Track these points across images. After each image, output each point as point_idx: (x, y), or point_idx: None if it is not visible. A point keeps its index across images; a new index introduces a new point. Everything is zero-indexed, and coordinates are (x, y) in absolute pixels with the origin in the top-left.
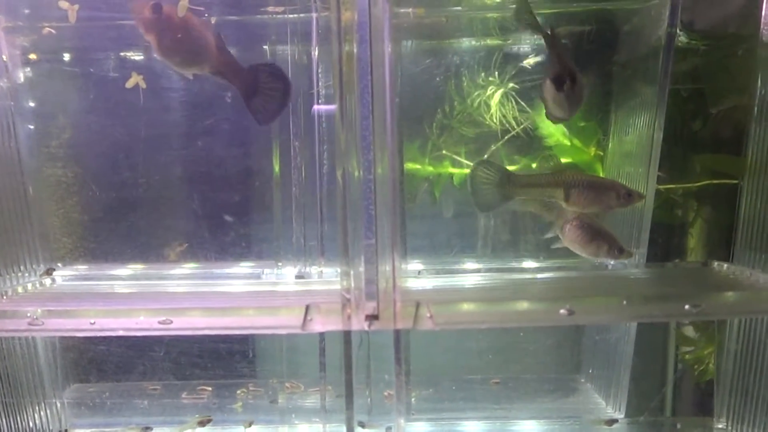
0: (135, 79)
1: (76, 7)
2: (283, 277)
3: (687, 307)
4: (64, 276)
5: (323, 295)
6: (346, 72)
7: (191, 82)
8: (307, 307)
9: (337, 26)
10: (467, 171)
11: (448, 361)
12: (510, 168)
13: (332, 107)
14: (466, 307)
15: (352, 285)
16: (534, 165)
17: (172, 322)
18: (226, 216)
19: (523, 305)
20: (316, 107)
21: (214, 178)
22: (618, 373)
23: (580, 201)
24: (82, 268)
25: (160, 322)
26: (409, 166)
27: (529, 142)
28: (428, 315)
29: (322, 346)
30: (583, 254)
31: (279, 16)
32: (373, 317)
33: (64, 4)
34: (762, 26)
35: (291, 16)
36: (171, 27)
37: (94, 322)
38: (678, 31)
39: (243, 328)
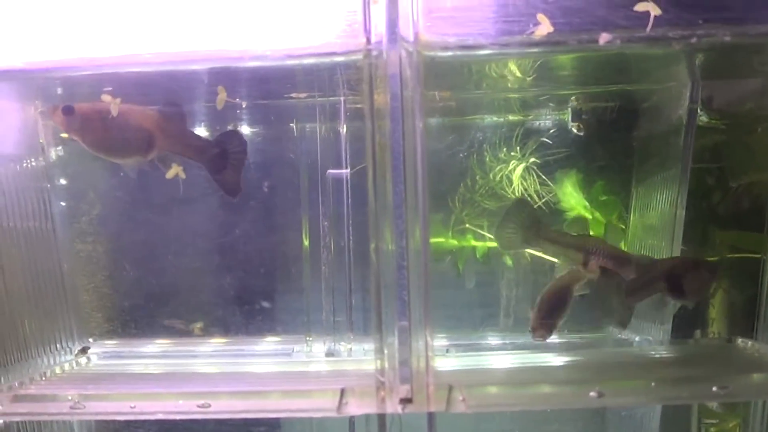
0: (175, 170)
1: (118, 100)
2: (313, 354)
3: (715, 389)
4: (97, 353)
5: (356, 376)
6: (379, 153)
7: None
8: (342, 391)
9: (369, 110)
10: (490, 244)
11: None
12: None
13: (345, 171)
14: (497, 390)
15: (386, 366)
16: None
17: (210, 405)
18: (255, 292)
19: (553, 388)
20: (330, 172)
21: (244, 254)
22: None
23: (596, 270)
24: (112, 344)
25: (198, 406)
26: (433, 239)
27: (551, 215)
28: (461, 398)
29: (352, 421)
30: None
31: (308, 99)
32: (406, 400)
33: (107, 98)
34: None
35: (319, 99)
36: (91, 124)
37: (135, 406)
38: (698, 109)
39: (279, 411)
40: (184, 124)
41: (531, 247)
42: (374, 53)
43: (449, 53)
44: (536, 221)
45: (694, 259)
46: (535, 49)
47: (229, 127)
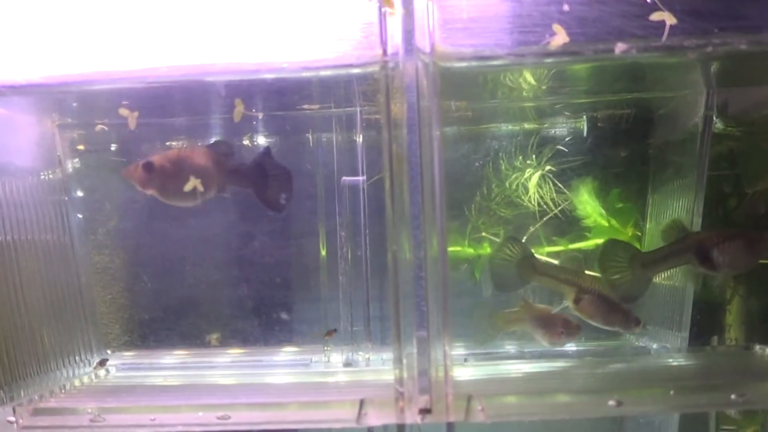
0: (193, 183)
1: (136, 114)
2: (331, 365)
3: (733, 397)
4: (115, 365)
5: (374, 386)
6: (396, 163)
7: None
8: (362, 401)
9: (386, 121)
10: None
11: None
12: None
13: (362, 178)
14: (516, 399)
15: (405, 376)
16: (571, 245)
17: (230, 417)
18: (273, 303)
19: (572, 397)
20: (344, 179)
21: (262, 265)
22: None
23: (587, 310)
24: (130, 356)
25: (218, 418)
26: (450, 248)
27: (567, 222)
28: (480, 408)
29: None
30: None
31: (324, 110)
32: (426, 411)
33: (125, 112)
34: None
35: (335, 110)
36: (167, 177)
37: (155, 419)
38: (714, 117)
39: (299, 422)
40: (233, 156)
41: (527, 283)
42: (390, 65)
43: (465, 64)
44: (529, 256)
45: (729, 230)
46: (550, 59)
47: (243, 137)
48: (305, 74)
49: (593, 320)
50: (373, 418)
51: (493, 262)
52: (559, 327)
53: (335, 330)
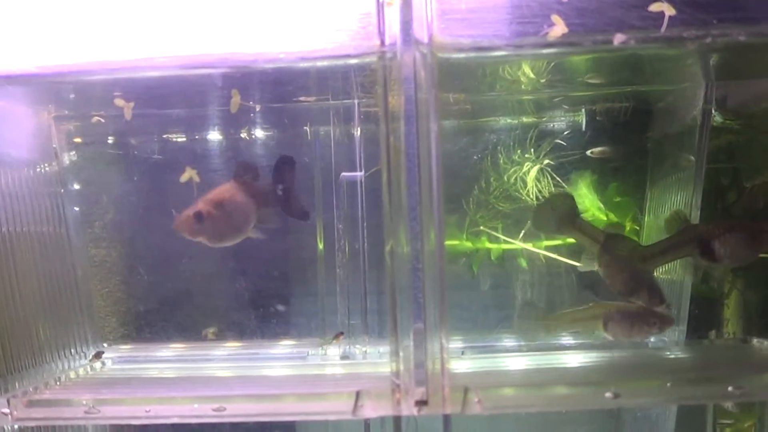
0: (189, 174)
1: (131, 104)
2: (328, 357)
3: (730, 389)
4: (111, 358)
5: (371, 379)
6: (394, 155)
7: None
8: (358, 393)
9: (384, 113)
10: (505, 246)
11: None
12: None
13: (360, 174)
14: (513, 392)
15: (402, 369)
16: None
17: (225, 409)
18: (270, 296)
19: (569, 389)
20: (343, 175)
21: (259, 257)
22: None
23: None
24: (127, 348)
25: (214, 410)
26: (448, 242)
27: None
28: (476, 400)
29: (368, 424)
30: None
31: (321, 102)
32: (422, 403)
33: (120, 102)
34: None
35: (333, 102)
36: (216, 223)
37: (150, 410)
38: (713, 110)
39: (295, 414)
40: (259, 178)
41: (562, 233)
42: (388, 55)
43: (463, 55)
44: (574, 211)
45: (730, 222)
46: (549, 50)
47: (241, 130)
48: (302, 65)
49: (615, 287)
50: (370, 410)
51: (540, 205)
52: (652, 318)
53: (342, 333)
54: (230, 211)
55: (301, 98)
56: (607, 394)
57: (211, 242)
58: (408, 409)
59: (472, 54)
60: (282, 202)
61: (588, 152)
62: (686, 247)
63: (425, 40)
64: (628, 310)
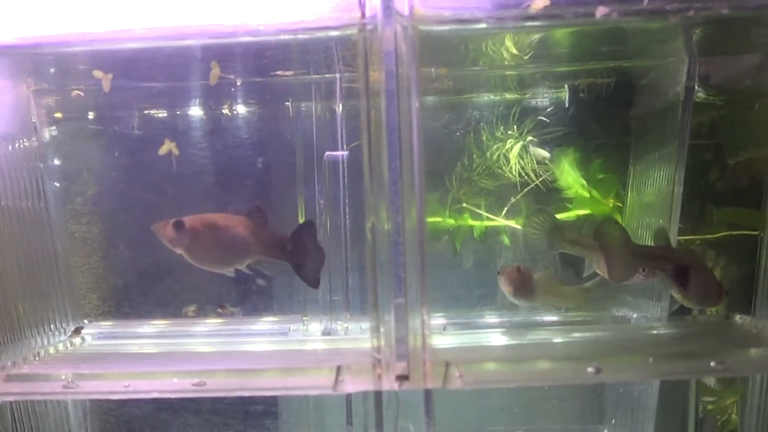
0: (168, 146)
1: (110, 76)
2: (310, 333)
3: (712, 364)
4: (91, 334)
5: (352, 354)
6: (374, 130)
7: (215, 139)
8: (339, 368)
9: (365, 87)
10: (487, 223)
11: (473, 412)
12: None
13: (344, 153)
14: (495, 366)
15: (383, 344)
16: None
17: (205, 383)
18: (252, 271)
19: (550, 364)
20: (327, 154)
21: None
22: (642, 424)
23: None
24: (108, 325)
25: (193, 384)
26: (430, 218)
27: (548, 193)
28: (458, 375)
29: (349, 399)
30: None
31: (303, 77)
32: (403, 377)
33: (98, 74)
34: None
35: (315, 76)
36: (198, 238)
37: (129, 385)
38: (696, 86)
39: (275, 388)
40: (267, 226)
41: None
42: (369, 27)
43: (445, 27)
44: (558, 227)
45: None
46: (531, 23)
47: (222, 105)
48: (282, 37)
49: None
50: (350, 385)
51: (525, 231)
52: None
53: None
54: (218, 237)
55: (283, 72)
56: (589, 369)
57: (192, 259)
58: (389, 384)
59: (454, 27)
60: (294, 259)
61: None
62: (664, 265)
63: (406, 12)
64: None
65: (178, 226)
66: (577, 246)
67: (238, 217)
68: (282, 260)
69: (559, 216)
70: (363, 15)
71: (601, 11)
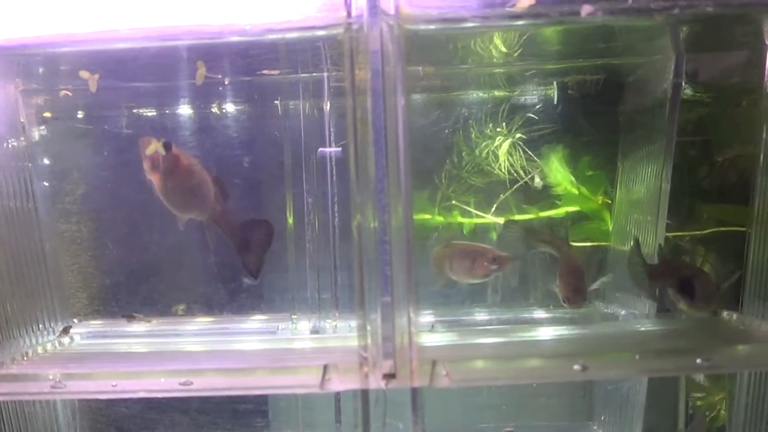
0: (155, 146)
1: (96, 76)
2: (298, 332)
3: (699, 361)
4: (80, 333)
5: (340, 352)
6: (360, 129)
7: (204, 138)
8: (325, 367)
9: (351, 86)
10: (476, 221)
11: (462, 409)
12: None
13: (338, 149)
14: (482, 364)
15: (369, 342)
16: (542, 214)
17: (192, 383)
18: (240, 270)
19: (537, 362)
20: (321, 150)
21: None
22: (630, 421)
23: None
24: (97, 324)
25: (181, 384)
26: (419, 216)
27: (538, 190)
28: (444, 373)
29: (338, 398)
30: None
31: (291, 75)
32: (390, 376)
33: (85, 74)
34: (766, 77)
35: (303, 75)
36: (176, 170)
37: (116, 384)
38: (683, 83)
39: (262, 387)
40: (226, 193)
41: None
42: (355, 27)
43: (431, 27)
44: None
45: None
46: (517, 22)
47: (211, 104)
48: (270, 37)
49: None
50: (337, 384)
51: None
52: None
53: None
54: (193, 177)
55: (271, 71)
56: (576, 367)
57: (162, 188)
58: (376, 383)
59: (440, 25)
60: (240, 248)
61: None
62: (668, 280)
63: (392, 11)
64: (468, 249)
65: (166, 146)
66: (548, 244)
67: (212, 176)
68: (228, 236)
69: (547, 213)
70: (349, 14)
71: (586, 10)
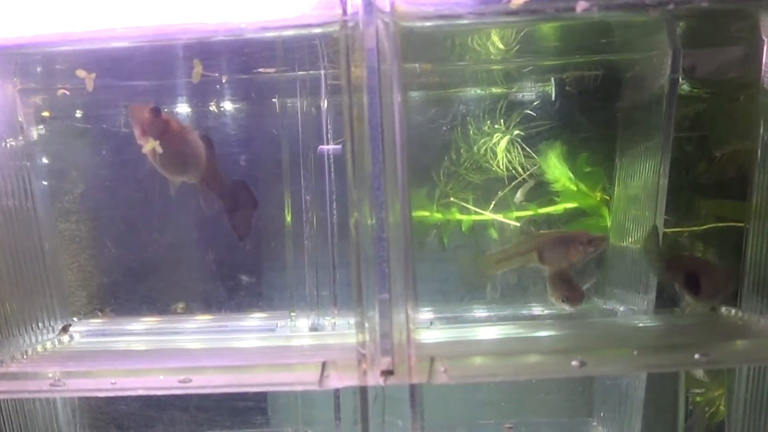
0: (152, 145)
1: (93, 75)
2: (297, 329)
3: (697, 356)
4: (80, 332)
5: (338, 349)
6: (357, 126)
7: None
8: (324, 364)
9: (347, 83)
10: (475, 218)
11: (460, 405)
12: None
13: (338, 147)
14: (480, 360)
15: (367, 339)
16: (540, 210)
17: (191, 380)
18: (239, 268)
19: (536, 358)
20: (321, 147)
21: (227, 231)
22: (630, 417)
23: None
24: (96, 322)
25: (180, 381)
26: (418, 213)
27: (536, 187)
28: (443, 369)
29: (337, 394)
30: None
31: (288, 73)
32: (388, 372)
33: (81, 73)
34: (763, 72)
35: (300, 73)
36: (166, 135)
37: (115, 382)
38: (680, 79)
39: (261, 384)
40: (215, 155)
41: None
42: (350, 24)
43: (427, 23)
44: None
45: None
46: (513, 18)
47: (208, 103)
48: (265, 35)
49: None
50: (336, 381)
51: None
52: (584, 237)
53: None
54: (183, 140)
55: (268, 69)
56: (574, 363)
57: (154, 156)
58: (374, 379)
59: (436, 22)
60: (231, 208)
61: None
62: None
63: (387, 8)
64: (561, 236)
65: (156, 112)
66: (513, 259)
67: (202, 138)
68: (219, 197)
69: (545, 210)
70: (344, 12)
71: (581, 6)
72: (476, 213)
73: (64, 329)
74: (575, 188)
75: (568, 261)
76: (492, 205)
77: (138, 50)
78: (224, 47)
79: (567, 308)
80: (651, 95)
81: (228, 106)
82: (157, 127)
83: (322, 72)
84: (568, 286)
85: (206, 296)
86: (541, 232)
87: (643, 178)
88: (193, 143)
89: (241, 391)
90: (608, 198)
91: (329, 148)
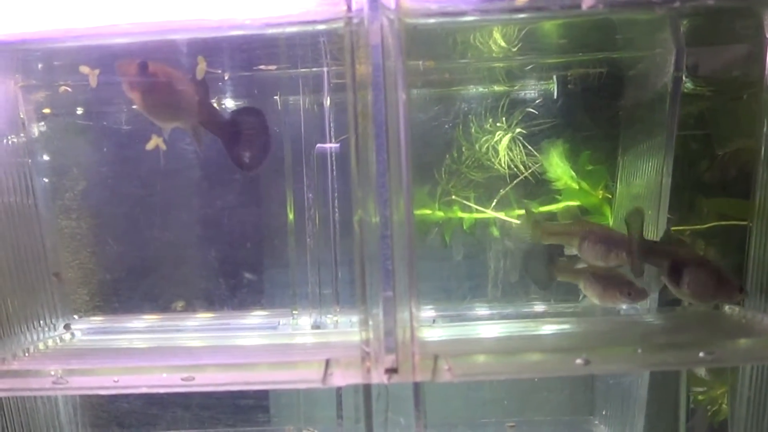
0: (155, 142)
1: (97, 71)
2: (299, 327)
3: (701, 354)
4: (82, 329)
5: (341, 347)
6: (361, 123)
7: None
8: (328, 362)
9: (351, 80)
10: (477, 216)
11: (464, 404)
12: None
13: (336, 145)
14: (484, 359)
15: (371, 337)
16: (542, 208)
17: (194, 378)
18: (241, 266)
19: (540, 356)
20: (319, 146)
21: (229, 228)
22: (632, 415)
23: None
24: (98, 320)
25: (182, 379)
26: (419, 211)
27: (538, 185)
28: (447, 367)
29: (339, 393)
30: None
31: (291, 70)
32: (392, 370)
33: (85, 69)
34: (767, 70)
35: (302, 70)
36: (155, 85)
37: (118, 380)
38: (684, 77)
39: (264, 383)
40: (207, 93)
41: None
42: (355, 21)
43: (431, 20)
44: (537, 222)
45: (703, 259)
46: (517, 15)
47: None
48: (269, 31)
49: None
50: (339, 378)
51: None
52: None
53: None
54: (173, 90)
55: (270, 66)
56: (578, 361)
57: (144, 105)
58: (378, 377)
59: (440, 19)
60: (230, 142)
61: None
62: (659, 260)
63: (392, 5)
64: (606, 235)
65: (142, 67)
66: (559, 236)
67: (184, 75)
68: (217, 135)
69: (547, 208)
70: (349, 8)
71: (586, 3)
72: (478, 211)
73: (66, 327)
74: (577, 187)
75: (606, 263)
76: (494, 203)
77: (140, 46)
78: (227, 44)
79: (624, 306)
80: (654, 93)
81: (230, 102)
82: (144, 81)
83: (325, 69)
84: (625, 282)
85: (208, 294)
86: (587, 221)
87: (645, 176)
88: (183, 91)
89: (244, 390)
90: (611, 196)
91: (327, 147)
